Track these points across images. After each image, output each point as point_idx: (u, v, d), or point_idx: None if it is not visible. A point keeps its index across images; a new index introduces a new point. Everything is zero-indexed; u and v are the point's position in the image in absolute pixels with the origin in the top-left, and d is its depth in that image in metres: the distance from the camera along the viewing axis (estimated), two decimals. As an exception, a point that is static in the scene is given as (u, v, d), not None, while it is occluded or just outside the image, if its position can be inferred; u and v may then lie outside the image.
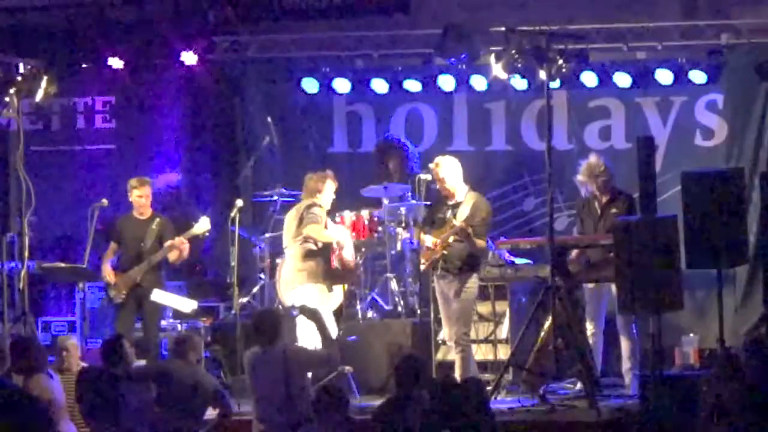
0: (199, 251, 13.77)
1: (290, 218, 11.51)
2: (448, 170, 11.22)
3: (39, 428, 7.05)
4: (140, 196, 12.05)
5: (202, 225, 12.01)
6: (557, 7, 13.06)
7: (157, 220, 12.11)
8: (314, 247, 11.27)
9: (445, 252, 11.08)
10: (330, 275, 11.31)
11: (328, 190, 11.45)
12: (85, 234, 12.30)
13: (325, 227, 11.33)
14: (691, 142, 13.33)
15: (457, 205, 11.21)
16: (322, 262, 11.30)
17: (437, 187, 11.32)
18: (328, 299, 11.26)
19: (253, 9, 14.13)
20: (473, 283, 11.20)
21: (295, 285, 11.30)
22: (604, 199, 11.50)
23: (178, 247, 11.87)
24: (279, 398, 9.39)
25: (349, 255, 11.46)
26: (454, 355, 11.31)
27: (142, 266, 11.91)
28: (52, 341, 12.89)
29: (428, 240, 11.17)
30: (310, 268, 11.27)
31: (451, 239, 11.04)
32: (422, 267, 11.40)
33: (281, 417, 9.37)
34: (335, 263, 11.34)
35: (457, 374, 10.93)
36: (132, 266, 11.96)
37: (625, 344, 11.54)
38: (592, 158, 11.64)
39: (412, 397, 8.43)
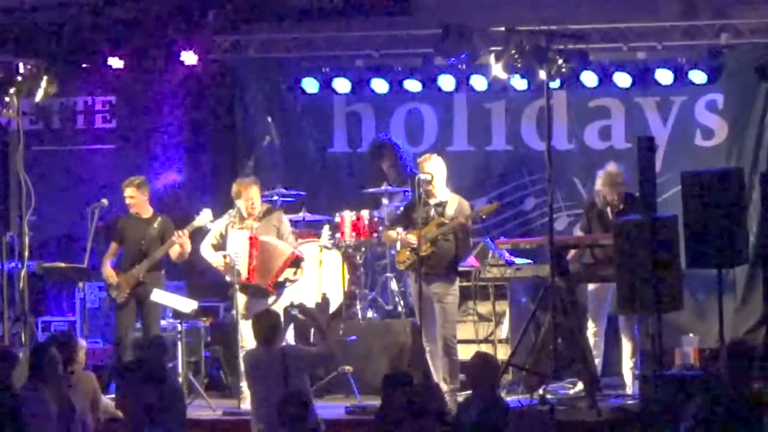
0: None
1: None
2: (439, 167, 11.24)
3: None
4: (125, 197, 12.05)
5: (204, 217, 11.97)
6: (557, 7, 13.06)
7: (159, 219, 12.10)
8: None
9: (434, 250, 11.06)
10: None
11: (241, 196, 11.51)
12: (85, 234, 12.30)
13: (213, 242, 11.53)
14: (691, 142, 13.33)
15: (440, 205, 11.21)
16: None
17: (431, 180, 11.29)
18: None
19: (253, 9, 14.12)
20: (456, 287, 11.22)
21: None
22: (620, 207, 11.44)
23: (179, 242, 11.86)
24: (278, 398, 9.38)
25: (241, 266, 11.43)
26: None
27: (143, 265, 11.91)
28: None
29: (412, 238, 11.13)
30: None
31: (439, 237, 11.06)
32: (401, 267, 11.42)
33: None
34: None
35: (447, 385, 10.91)
36: (133, 266, 11.96)
37: (626, 344, 11.55)
38: (612, 167, 11.50)
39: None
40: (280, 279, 11.41)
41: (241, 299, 11.46)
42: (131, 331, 12.00)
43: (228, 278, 11.48)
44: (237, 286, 11.43)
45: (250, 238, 11.34)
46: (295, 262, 11.43)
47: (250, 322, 11.16)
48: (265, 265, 11.35)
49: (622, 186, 11.42)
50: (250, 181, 11.65)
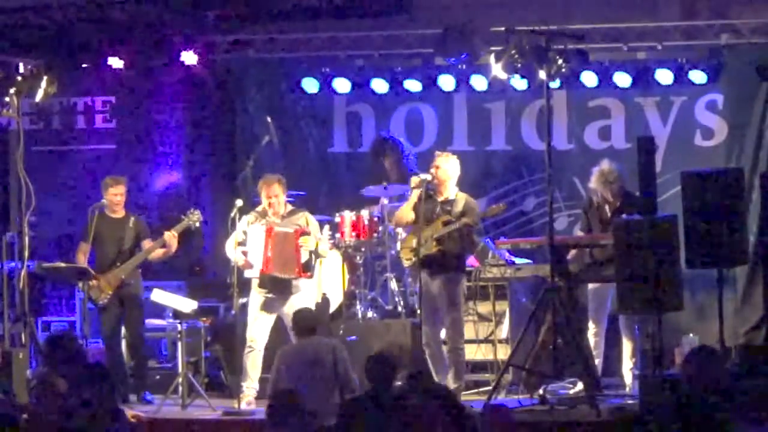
0: (199, 251, 13.79)
1: None
2: (453, 166, 11.29)
3: None
4: (115, 194, 12.06)
5: (193, 217, 11.97)
6: (557, 7, 13.07)
7: (132, 219, 12.13)
8: None
9: (440, 248, 11.07)
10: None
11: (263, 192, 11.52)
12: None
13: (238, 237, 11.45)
14: (691, 142, 13.34)
15: (447, 203, 11.22)
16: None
17: (432, 179, 11.28)
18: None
19: (253, 9, 14.12)
20: (463, 286, 11.24)
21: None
22: (617, 204, 11.46)
23: (167, 243, 11.87)
24: (327, 387, 9.72)
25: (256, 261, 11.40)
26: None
27: (127, 266, 11.91)
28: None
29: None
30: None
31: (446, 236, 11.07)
32: (408, 264, 11.43)
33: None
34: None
35: (452, 384, 10.92)
36: (112, 266, 11.96)
37: (627, 344, 11.55)
38: (605, 165, 11.52)
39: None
40: (303, 261, 11.36)
41: (257, 299, 11.39)
42: (119, 332, 12.00)
43: (246, 275, 11.42)
44: (255, 283, 11.37)
45: (267, 230, 11.30)
46: (303, 233, 11.37)
47: (259, 322, 11.19)
48: (285, 254, 11.29)
49: (614, 184, 11.42)
50: (273, 178, 11.55)
